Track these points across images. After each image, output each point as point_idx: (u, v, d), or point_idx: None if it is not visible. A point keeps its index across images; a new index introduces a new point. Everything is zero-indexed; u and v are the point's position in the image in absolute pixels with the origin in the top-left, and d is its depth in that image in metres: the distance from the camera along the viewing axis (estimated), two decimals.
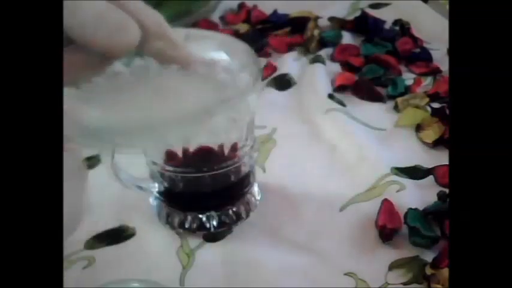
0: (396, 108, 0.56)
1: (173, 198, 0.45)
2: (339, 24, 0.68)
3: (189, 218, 0.45)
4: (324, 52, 0.64)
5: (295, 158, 0.52)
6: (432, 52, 0.63)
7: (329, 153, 0.52)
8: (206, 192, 0.44)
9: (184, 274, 0.43)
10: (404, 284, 0.41)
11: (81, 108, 0.31)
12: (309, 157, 0.52)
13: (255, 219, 0.46)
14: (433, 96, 0.57)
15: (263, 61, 0.62)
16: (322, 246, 0.44)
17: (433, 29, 0.66)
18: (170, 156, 0.43)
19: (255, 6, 0.71)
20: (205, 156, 0.43)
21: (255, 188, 0.47)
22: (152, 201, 0.47)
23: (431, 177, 0.49)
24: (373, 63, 0.61)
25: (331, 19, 0.69)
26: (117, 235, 0.46)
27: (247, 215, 0.46)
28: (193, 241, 0.45)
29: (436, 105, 0.56)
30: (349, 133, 0.53)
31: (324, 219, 0.46)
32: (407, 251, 0.43)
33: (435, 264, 0.40)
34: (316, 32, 0.66)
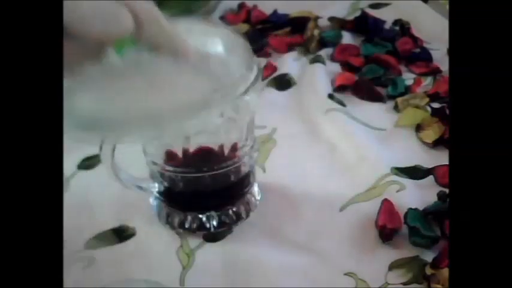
0: (396, 108, 0.56)
1: (173, 198, 0.45)
2: (339, 24, 0.68)
3: (189, 218, 0.45)
4: (324, 52, 0.64)
5: (295, 158, 0.52)
6: (432, 52, 0.63)
7: (329, 153, 0.52)
8: (206, 192, 0.44)
9: (184, 274, 0.43)
10: (404, 284, 0.41)
11: (76, 99, 0.31)
12: (309, 157, 0.52)
13: (255, 219, 0.46)
14: (433, 96, 0.57)
15: (263, 61, 0.62)
16: (322, 246, 0.44)
17: (433, 29, 0.66)
18: (170, 156, 0.43)
19: (255, 6, 0.71)
20: (205, 156, 0.43)
21: (255, 188, 0.47)
22: (152, 201, 0.47)
23: (431, 177, 0.49)
24: (373, 63, 0.61)
25: (331, 19, 0.69)
26: (117, 235, 0.46)
27: (247, 215, 0.46)
28: (193, 241, 0.45)
29: (436, 105, 0.56)
30: (349, 133, 0.53)
31: (324, 219, 0.46)
32: (407, 251, 0.43)
33: (435, 264, 0.40)
34: (316, 32, 0.66)
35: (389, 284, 0.41)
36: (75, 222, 0.46)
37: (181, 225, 0.45)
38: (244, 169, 0.45)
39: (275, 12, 0.70)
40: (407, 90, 0.58)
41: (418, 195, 0.47)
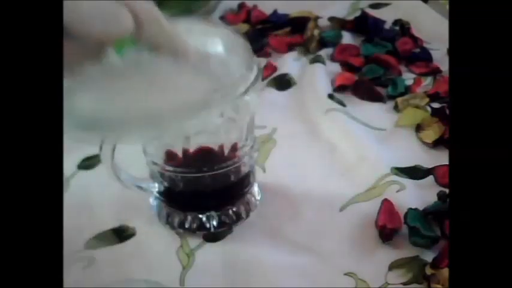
0: (396, 108, 0.56)
1: (173, 198, 0.45)
2: (339, 24, 0.68)
3: (189, 218, 0.45)
4: (324, 52, 0.64)
5: (295, 158, 0.52)
6: (432, 52, 0.63)
7: (329, 153, 0.52)
8: (206, 192, 0.44)
9: (184, 274, 0.43)
10: (404, 284, 0.41)
11: (76, 99, 0.31)
12: (309, 157, 0.52)
13: (255, 219, 0.46)
14: (433, 96, 0.57)
15: (263, 61, 0.62)
16: (322, 246, 0.44)
17: (433, 29, 0.66)
18: (170, 156, 0.43)
19: (255, 6, 0.71)
20: (205, 156, 0.43)
21: (255, 188, 0.47)
22: (152, 201, 0.47)
23: (431, 177, 0.49)
24: (373, 63, 0.61)
25: (331, 19, 0.69)
26: (117, 235, 0.46)
27: (247, 215, 0.46)
28: (193, 241, 0.45)
29: (436, 105, 0.56)
30: (349, 133, 0.53)
31: (324, 219, 0.46)
32: (407, 251, 0.43)
33: (435, 264, 0.40)
34: (316, 32, 0.66)
35: (389, 284, 0.41)
36: (75, 222, 0.46)
37: (181, 225, 0.45)
38: (244, 169, 0.45)
39: (275, 12, 0.70)
40: (407, 90, 0.58)
41: (418, 195, 0.47)
